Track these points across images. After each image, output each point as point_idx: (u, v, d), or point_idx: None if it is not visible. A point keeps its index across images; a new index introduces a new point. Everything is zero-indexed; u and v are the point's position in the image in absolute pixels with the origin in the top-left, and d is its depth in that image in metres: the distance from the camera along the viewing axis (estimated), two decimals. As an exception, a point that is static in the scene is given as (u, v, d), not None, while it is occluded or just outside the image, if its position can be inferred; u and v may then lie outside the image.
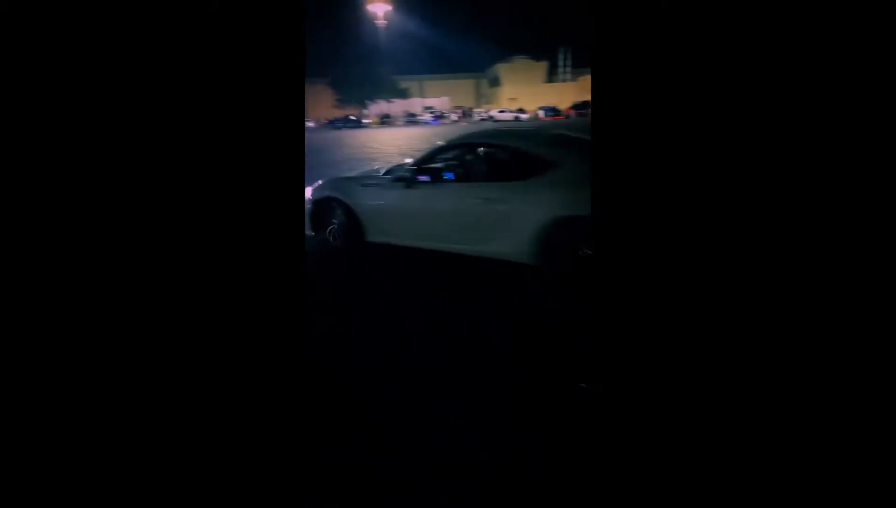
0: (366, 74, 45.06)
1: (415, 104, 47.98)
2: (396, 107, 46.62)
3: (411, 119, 43.30)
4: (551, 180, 3.35)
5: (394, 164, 4.99)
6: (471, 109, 46.78)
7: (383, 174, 4.33)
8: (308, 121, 41.98)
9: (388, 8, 46.33)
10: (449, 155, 4.11)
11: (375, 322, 3.25)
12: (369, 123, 42.62)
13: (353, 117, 42.15)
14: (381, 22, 46.76)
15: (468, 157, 4.07)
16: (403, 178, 3.94)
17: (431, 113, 44.75)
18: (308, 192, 4.34)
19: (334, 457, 2.08)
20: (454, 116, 43.50)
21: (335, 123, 39.75)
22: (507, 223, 3.38)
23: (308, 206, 4.31)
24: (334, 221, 4.21)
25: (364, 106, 47.26)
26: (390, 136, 21.52)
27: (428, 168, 3.89)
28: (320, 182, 4.51)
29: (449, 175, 3.86)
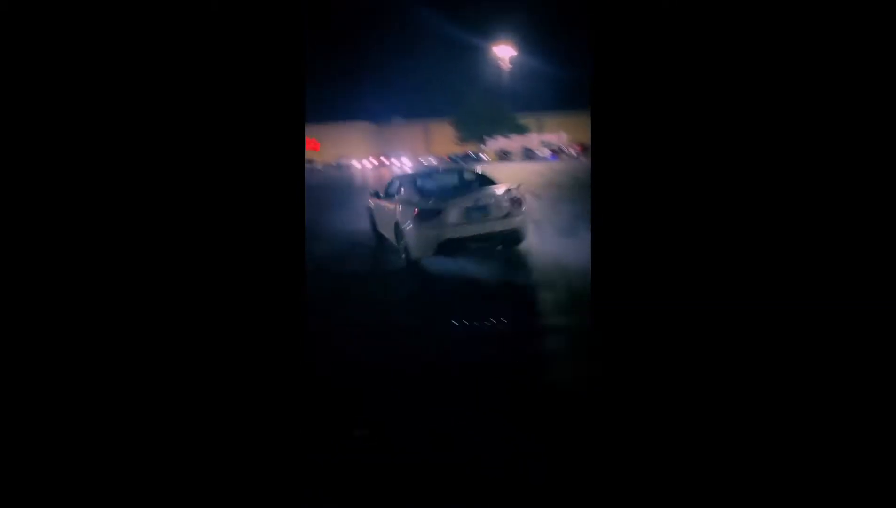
0: (486, 112, 46.75)
1: (533, 140, 48.30)
2: (515, 143, 47.34)
3: (529, 155, 43.62)
4: None
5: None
6: (587, 145, 45.55)
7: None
8: (429, 157, 44.69)
9: (514, 53, 48.01)
10: None
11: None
12: (487, 159, 43.87)
13: (471, 154, 43.81)
14: (504, 63, 48.56)
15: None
16: None
17: (549, 149, 44.59)
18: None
19: (334, 457, 2.07)
20: (573, 152, 42.76)
21: (454, 160, 41.70)
22: None
23: None
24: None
25: (483, 142, 48.87)
26: (506, 171, 21.91)
27: None
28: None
29: None
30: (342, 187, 19.11)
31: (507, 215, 5.04)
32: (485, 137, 48.55)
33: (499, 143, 47.55)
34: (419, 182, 5.56)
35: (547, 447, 2.07)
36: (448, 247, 4.80)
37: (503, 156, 44.68)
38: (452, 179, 5.79)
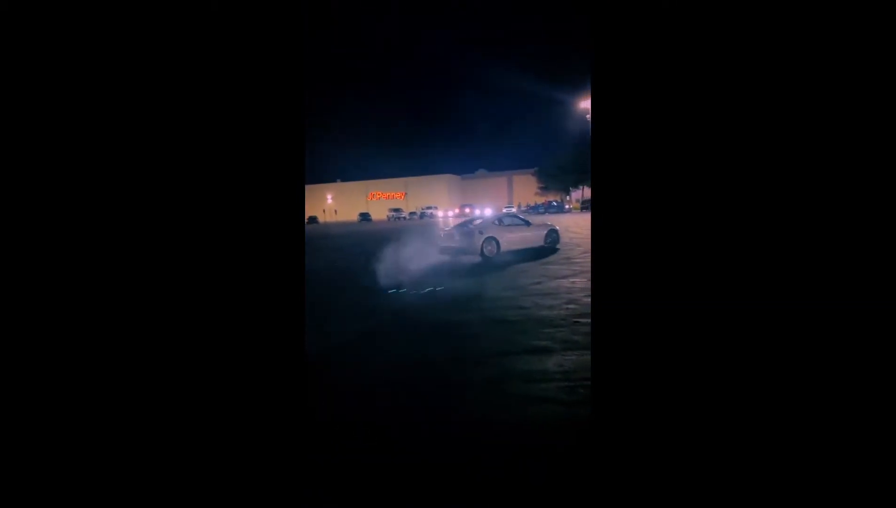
0: (569, 164, 46.72)
1: (618, 190, 47.19)
2: (599, 192, 46.61)
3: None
4: None
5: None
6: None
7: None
8: (511, 207, 45.09)
9: (597, 101, 48.08)
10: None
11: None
12: (570, 207, 43.36)
13: (555, 203, 43.60)
14: (588, 116, 48.67)
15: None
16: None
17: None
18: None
19: (334, 457, 2.05)
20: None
21: (537, 208, 41.74)
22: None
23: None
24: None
25: (567, 192, 48.55)
26: (587, 219, 21.99)
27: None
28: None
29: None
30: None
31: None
32: (569, 188, 48.25)
33: (582, 193, 46.96)
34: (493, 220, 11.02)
35: (547, 446, 2.07)
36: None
37: (586, 205, 43.86)
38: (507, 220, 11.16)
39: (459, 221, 14.43)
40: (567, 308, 5.10)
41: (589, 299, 5.11)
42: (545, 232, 10.81)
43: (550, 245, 10.77)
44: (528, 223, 10.96)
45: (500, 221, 10.78)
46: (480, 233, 9.89)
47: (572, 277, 6.99)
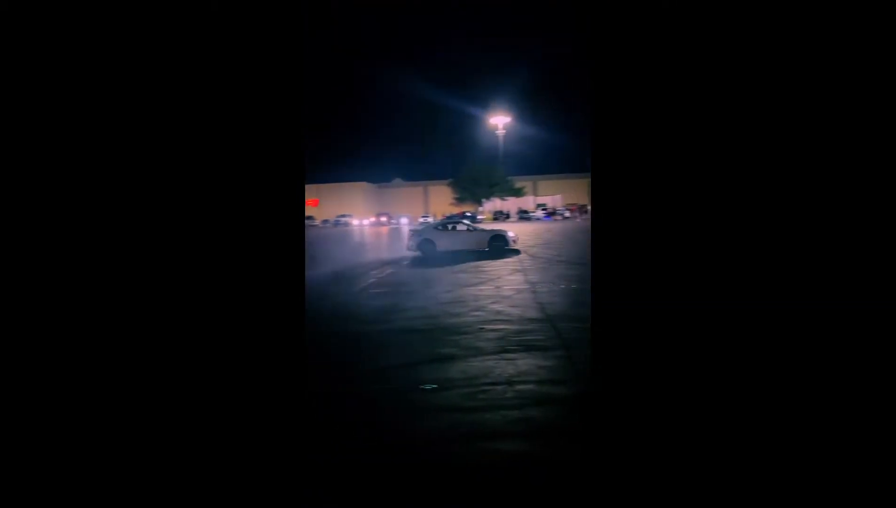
0: (482, 176, 48.43)
1: (528, 202, 49.82)
2: (510, 204, 48.76)
3: (524, 216, 44.73)
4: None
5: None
6: (584, 205, 46.99)
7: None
8: (428, 217, 45.64)
9: (508, 120, 50.54)
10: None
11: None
12: (483, 218, 44.90)
13: (468, 214, 44.89)
14: (500, 131, 50.94)
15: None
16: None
17: (544, 210, 45.86)
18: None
19: (334, 457, 2.05)
20: (566, 213, 43.94)
21: (452, 218, 42.78)
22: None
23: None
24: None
25: (480, 204, 50.21)
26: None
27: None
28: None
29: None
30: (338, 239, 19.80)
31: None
32: (482, 199, 49.97)
33: (495, 204, 48.90)
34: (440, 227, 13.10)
35: (547, 446, 2.06)
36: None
37: (498, 216, 45.73)
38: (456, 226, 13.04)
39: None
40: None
41: (494, 307, 5.35)
42: (488, 237, 12.27)
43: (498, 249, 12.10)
44: (472, 229, 12.78)
45: (443, 226, 13.18)
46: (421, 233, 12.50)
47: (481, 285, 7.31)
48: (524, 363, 3.44)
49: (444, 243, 11.81)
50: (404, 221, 42.54)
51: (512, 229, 13.53)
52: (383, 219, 46.38)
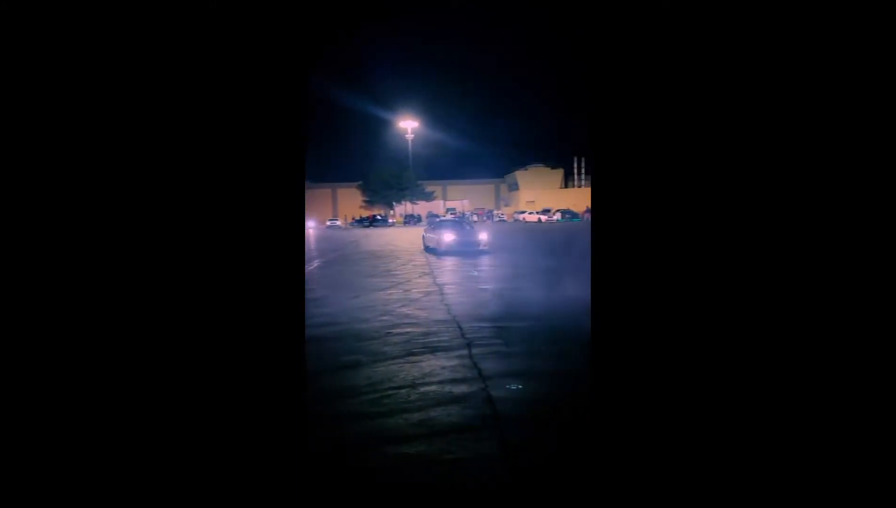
0: (392, 179, 48.51)
1: (438, 206, 50.97)
2: (420, 208, 49.46)
3: (434, 219, 45.68)
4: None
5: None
6: (491, 210, 49.37)
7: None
8: (336, 220, 44.52)
9: (416, 124, 51.22)
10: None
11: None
12: (394, 222, 44.96)
13: (378, 216, 44.63)
14: (409, 135, 51.43)
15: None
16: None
17: (452, 214, 47.23)
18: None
19: (334, 457, 2.00)
20: (474, 218, 45.75)
21: (363, 221, 42.19)
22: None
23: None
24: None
25: (391, 207, 50.20)
26: (415, 233, 23.50)
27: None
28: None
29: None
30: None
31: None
32: (392, 203, 49.99)
33: (405, 207, 49.25)
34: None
35: (548, 445, 2.05)
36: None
37: (409, 220, 46.11)
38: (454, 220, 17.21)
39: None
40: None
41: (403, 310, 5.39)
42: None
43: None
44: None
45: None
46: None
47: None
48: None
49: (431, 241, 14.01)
50: (310, 223, 40.94)
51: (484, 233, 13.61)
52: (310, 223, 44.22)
